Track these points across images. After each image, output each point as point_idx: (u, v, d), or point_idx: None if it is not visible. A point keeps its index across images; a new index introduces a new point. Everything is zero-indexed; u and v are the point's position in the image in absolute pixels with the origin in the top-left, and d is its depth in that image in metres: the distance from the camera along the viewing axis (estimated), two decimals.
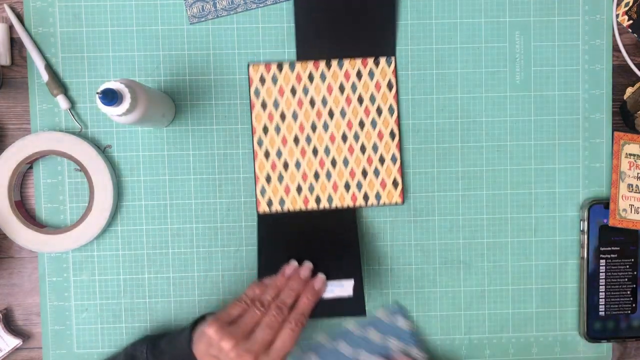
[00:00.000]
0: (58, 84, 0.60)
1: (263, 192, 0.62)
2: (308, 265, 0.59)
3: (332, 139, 0.62)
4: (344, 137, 0.62)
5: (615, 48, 0.63)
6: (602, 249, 0.62)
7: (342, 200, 0.62)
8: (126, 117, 0.50)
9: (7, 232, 0.60)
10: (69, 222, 0.62)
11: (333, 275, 0.61)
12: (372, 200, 0.62)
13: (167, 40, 0.61)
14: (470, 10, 0.62)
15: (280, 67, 0.61)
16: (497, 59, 0.63)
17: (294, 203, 0.62)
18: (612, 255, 0.62)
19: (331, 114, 0.62)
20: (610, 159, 0.63)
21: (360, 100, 0.62)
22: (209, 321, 0.53)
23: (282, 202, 0.62)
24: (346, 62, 0.62)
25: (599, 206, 0.62)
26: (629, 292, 0.63)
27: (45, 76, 0.60)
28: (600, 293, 0.63)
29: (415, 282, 0.63)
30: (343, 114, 0.62)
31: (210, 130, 0.62)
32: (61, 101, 0.60)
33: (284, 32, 0.62)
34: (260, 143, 0.62)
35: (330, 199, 0.62)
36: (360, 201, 0.62)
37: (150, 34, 0.61)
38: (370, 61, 0.62)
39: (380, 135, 0.62)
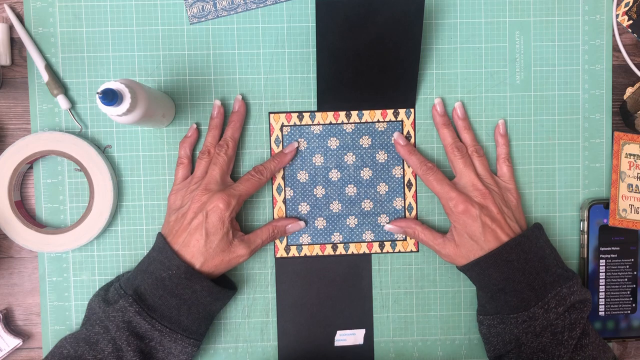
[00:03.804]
0: (58, 84, 0.60)
1: (281, 238, 0.62)
2: (237, 98, 0.61)
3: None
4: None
5: (615, 48, 0.63)
6: (602, 249, 0.62)
7: (359, 247, 0.63)
8: (126, 117, 0.50)
9: (7, 232, 0.60)
10: (69, 222, 0.62)
11: (346, 322, 0.62)
12: (387, 247, 0.63)
13: (167, 40, 0.61)
14: (470, 10, 0.62)
15: (300, 116, 0.62)
16: (497, 59, 0.63)
17: (311, 249, 0.63)
18: (612, 255, 0.62)
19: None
20: (610, 159, 0.63)
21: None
22: (167, 199, 0.60)
23: (299, 248, 0.63)
24: (366, 114, 0.62)
25: (599, 206, 0.62)
26: (629, 292, 0.63)
27: (45, 76, 0.60)
28: (600, 293, 0.63)
29: (415, 282, 0.63)
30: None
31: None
32: (61, 101, 0.60)
33: (284, 32, 0.62)
34: (279, 191, 0.62)
35: (347, 247, 0.63)
36: (375, 249, 0.63)
37: (150, 34, 0.61)
38: (390, 112, 0.62)
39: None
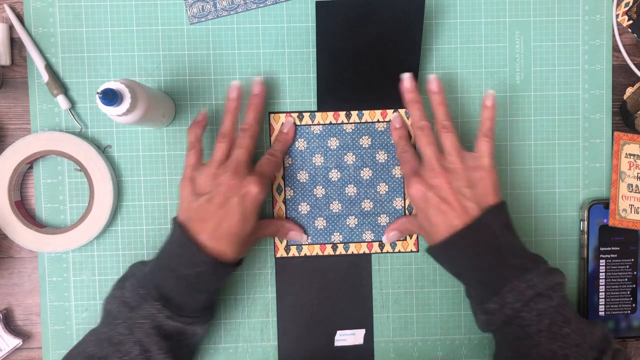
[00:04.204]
0: (58, 84, 0.60)
1: (281, 238, 0.62)
2: (257, 80, 0.59)
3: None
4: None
5: (615, 48, 0.63)
6: (602, 249, 0.62)
7: (359, 247, 0.63)
8: (126, 117, 0.50)
9: (7, 232, 0.60)
10: (69, 222, 0.62)
11: (346, 322, 0.62)
12: (387, 247, 0.63)
13: (167, 40, 0.61)
14: (470, 10, 0.62)
15: (300, 116, 0.62)
16: (497, 59, 0.63)
17: (311, 249, 0.63)
18: (612, 255, 0.62)
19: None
20: (610, 159, 0.63)
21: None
22: (180, 185, 0.56)
23: (299, 248, 0.62)
24: (366, 114, 0.62)
25: (599, 206, 0.62)
26: (629, 292, 0.63)
27: (45, 76, 0.60)
28: (600, 293, 0.63)
29: (415, 282, 0.63)
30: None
31: (210, 130, 0.62)
32: (61, 101, 0.60)
33: (284, 32, 0.62)
34: (279, 191, 0.62)
35: (347, 247, 0.63)
36: (375, 249, 0.63)
37: (150, 34, 0.61)
38: (390, 113, 0.62)
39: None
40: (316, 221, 0.62)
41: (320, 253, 0.63)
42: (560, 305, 0.52)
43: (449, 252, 0.54)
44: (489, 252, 0.52)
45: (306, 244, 0.62)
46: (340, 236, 0.63)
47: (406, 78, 0.59)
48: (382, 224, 0.63)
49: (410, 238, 0.63)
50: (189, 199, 0.55)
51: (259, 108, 0.59)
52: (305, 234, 0.62)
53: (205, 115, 0.59)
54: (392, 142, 0.62)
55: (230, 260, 0.54)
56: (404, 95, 0.59)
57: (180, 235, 0.53)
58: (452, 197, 0.53)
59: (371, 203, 0.63)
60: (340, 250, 0.63)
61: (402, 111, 0.62)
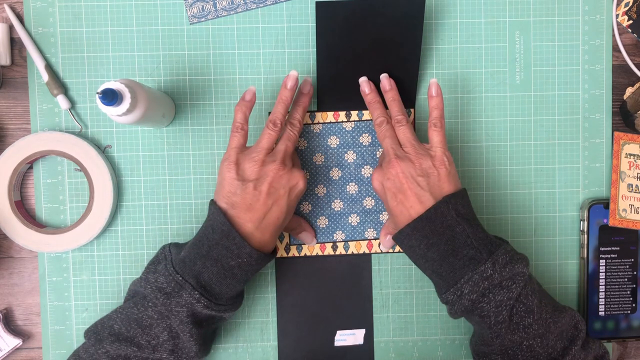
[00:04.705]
0: (58, 84, 0.60)
1: (281, 237, 0.62)
2: (308, 80, 0.59)
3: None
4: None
5: (615, 48, 0.63)
6: (602, 249, 0.62)
7: (359, 247, 0.63)
8: (126, 117, 0.50)
9: (7, 232, 0.60)
10: (69, 222, 0.62)
11: (346, 322, 0.62)
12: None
13: (167, 40, 0.61)
14: (470, 10, 0.62)
15: None
16: (497, 59, 0.63)
17: (311, 249, 0.63)
18: (612, 255, 0.62)
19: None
20: (610, 159, 0.63)
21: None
22: (223, 167, 0.54)
23: (299, 248, 0.63)
24: (366, 113, 0.62)
25: (599, 206, 0.62)
26: (629, 292, 0.63)
27: (45, 76, 0.60)
28: (600, 293, 0.63)
29: (415, 282, 0.63)
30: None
31: (210, 130, 0.62)
32: (61, 101, 0.60)
33: (284, 32, 0.62)
34: None
35: (347, 247, 0.63)
36: (375, 248, 0.63)
37: (150, 34, 0.61)
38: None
39: None
40: (318, 220, 0.62)
41: (320, 253, 0.63)
42: (522, 295, 0.51)
43: (407, 242, 0.53)
44: (442, 242, 0.51)
45: (310, 245, 0.63)
46: (343, 234, 0.63)
47: (363, 82, 0.59)
48: (384, 221, 0.63)
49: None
50: (234, 183, 0.53)
51: (306, 106, 0.58)
52: (315, 237, 0.62)
53: (253, 93, 0.56)
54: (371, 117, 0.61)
55: (269, 251, 0.55)
56: (365, 98, 0.59)
57: (222, 223, 0.52)
58: (407, 186, 0.52)
59: (373, 201, 0.63)
60: (340, 250, 0.63)
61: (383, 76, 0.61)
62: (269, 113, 0.62)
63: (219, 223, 0.52)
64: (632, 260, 0.63)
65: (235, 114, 0.55)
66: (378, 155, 0.62)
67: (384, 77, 0.59)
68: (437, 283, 0.55)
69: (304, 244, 0.62)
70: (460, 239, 0.51)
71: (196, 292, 0.51)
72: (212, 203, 0.54)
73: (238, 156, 0.53)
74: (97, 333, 0.53)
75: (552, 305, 0.54)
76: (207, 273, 0.52)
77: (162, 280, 0.52)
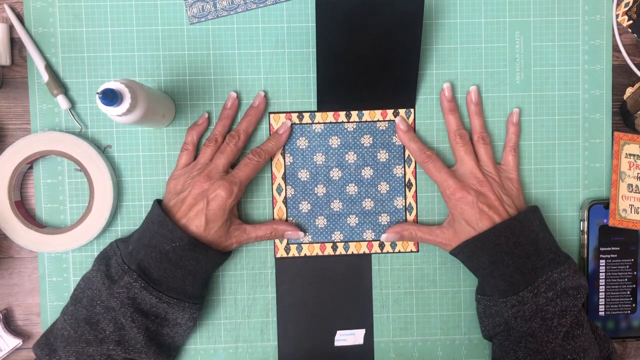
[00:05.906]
0: (58, 84, 0.60)
1: (281, 238, 0.62)
2: (260, 94, 0.61)
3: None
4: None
5: (615, 48, 0.63)
6: (602, 249, 0.62)
7: (359, 247, 0.63)
8: (126, 117, 0.50)
9: (7, 232, 0.60)
10: (69, 222, 0.62)
11: (346, 322, 0.62)
12: (387, 247, 0.63)
13: (167, 40, 0.61)
14: (470, 10, 0.62)
15: (300, 116, 0.62)
16: (497, 59, 0.63)
17: (311, 249, 0.63)
18: (612, 255, 0.62)
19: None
20: (610, 159, 0.63)
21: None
22: (166, 182, 0.60)
23: (299, 248, 0.62)
24: (366, 114, 0.62)
25: (599, 206, 0.62)
26: (629, 292, 0.63)
27: (45, 76, 0.60)
28: (600, 293, 0.63)
29: (415, 282, 0.63)
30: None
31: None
32: (61, 101, 0.60)
33: (284, 32, 0.62)
34: (279, 191, 0.62)
35: (347, 247, 0.63)
36: (375, 248, 0.63)
37: (150, 34, 0.61)
38: (390, 112, 0.62)
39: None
40: (317, 220, 0.62)
41: (320, 253, 0.63)
42: (580, 309, 0.56)
43: (495, 240, 0.56)
44: (528, 243, 0.56)
45: (306, 243, 0.62)
46: (341, 235, 0.63)
47: (446, 87, 0.61)
48: (382, 223, 0.63)
49: (409, 240, 0.63)
50: (168, 196, 0.59)
51: (253, 120, 0.60)
52: (303, 230, 0.62)
53: (206, 119, 0.61)
54: (400, 142, 0.62)
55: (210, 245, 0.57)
56: (442, 104, 0.61)
57: (158, 215, 0.55)
58: (498, 203, 0.57)
59: (372, 202, 0.63)
60: (340, 250, 0.63)
61: (402, 112, 0.62)
62: (269, 114, 0.62)
63: (156, 215, 0.56)
64: (632, 260, 0.63)
65: (186, 135, 0.61)
66: (379, 157, 0.62)
67: (473, 89, 0.62)
68: (507, 285, 0.56)
69: (300, 241, 0.62)
70: (542, 243, 0.57)
71: (134, 273, 0.54)
72: (156, 202, 0.57)
73: (179, 172, 0.59)
74: (49, 345, 0.55)
75: (590, 326, 0.58)
76: (148, 259, 0.55)
77: (111, 271, 0.56)
